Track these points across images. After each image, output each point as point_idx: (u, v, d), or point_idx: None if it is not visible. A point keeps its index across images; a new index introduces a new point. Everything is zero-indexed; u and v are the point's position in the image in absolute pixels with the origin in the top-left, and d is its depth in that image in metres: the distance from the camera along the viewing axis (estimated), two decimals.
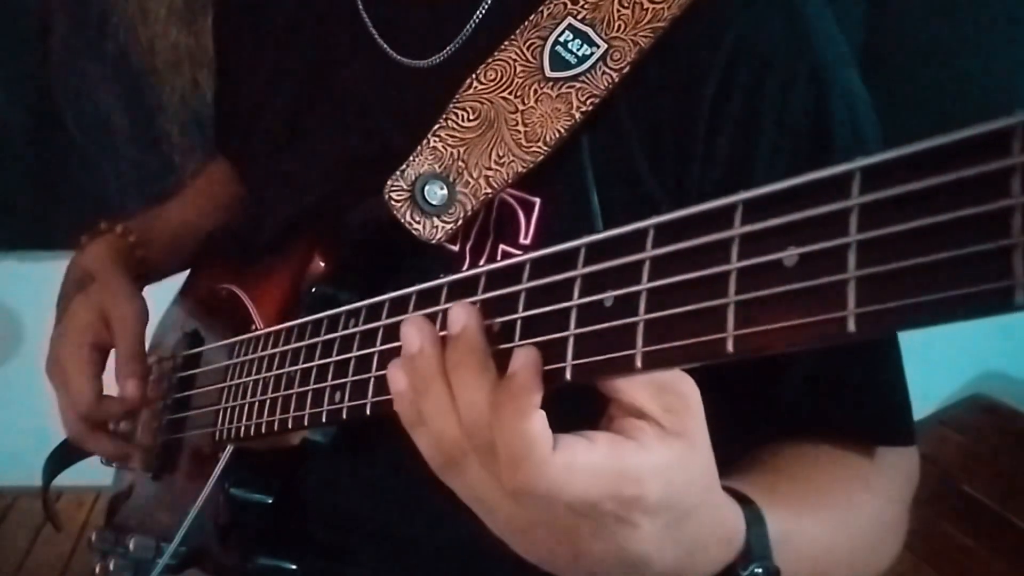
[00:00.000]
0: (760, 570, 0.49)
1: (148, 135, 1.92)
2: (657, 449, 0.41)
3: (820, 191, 0.32)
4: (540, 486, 0.40)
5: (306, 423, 0.61)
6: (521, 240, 0.63)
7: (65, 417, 0.82)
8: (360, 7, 0.74)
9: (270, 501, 0.73)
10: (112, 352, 0.82)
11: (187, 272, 0.97)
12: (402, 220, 0.62)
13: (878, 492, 0.64)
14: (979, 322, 0.29)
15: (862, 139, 0.61)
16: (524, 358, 0.41)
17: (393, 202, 0.62)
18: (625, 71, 0.59)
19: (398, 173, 0.62)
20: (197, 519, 0.73)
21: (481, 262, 0.64)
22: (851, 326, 0.31)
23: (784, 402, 0.63)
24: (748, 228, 0.34)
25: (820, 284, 0.31)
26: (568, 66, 0.60)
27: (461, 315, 0.43)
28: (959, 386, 2.12)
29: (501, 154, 0.61)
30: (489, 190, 0.61)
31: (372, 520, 0.74)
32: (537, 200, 0.63)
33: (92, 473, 0.96)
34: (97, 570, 0.84)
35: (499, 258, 0.63)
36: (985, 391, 2.11)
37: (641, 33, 0.58)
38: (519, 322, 0.44)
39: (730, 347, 0.34)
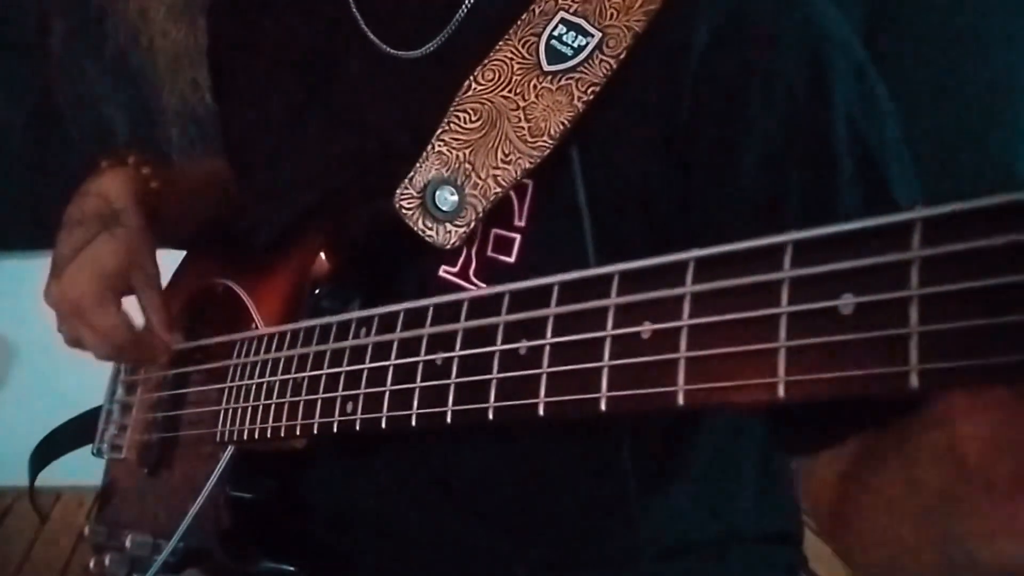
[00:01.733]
0: None
1: (147, 135, 1.91)
2: None
3: (877, 239, 0.31)
4: None
5: (315, 431, 0.60)
6: (515, 222, 0.63)
7: (92, 346, 0.81)
8: (351, 1, 0.73)
9: (271, 503, 0.73)
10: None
11: (176, 267, 0.96)
12: (415, 228, 0.61)
13: None
14: None
15: (872, 100, 0.59)
16: None
17: (404, 210, 0.62)
18: (622, 56, 0.59)
19: (407, 181, 0.62)
20: (196, 519, 0.73)
21: (474, 247, 0.64)
22: (913, 382, 0.30)
23: None
24: (799, 272, 0.33)
25: (881, 336, 0.31)
26: (564, 58, 0.60)
27: None
28: None
29: (507, 152, 0.61)
30: (499, 189, 0.61)
31: (373, 521, 0.74)
32: (530, 183, 0.63)
33: (92, 473, 0.96)
34: (92, 564, 0.84)
35: (492, 242, 0.63)
36: None
37: (634, 18, 0.58)
38: (547, 348, 0.43)
39: (781, 392, 0.34)
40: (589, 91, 0.59)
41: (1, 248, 1.98)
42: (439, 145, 0.62)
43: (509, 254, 0.63)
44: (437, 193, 0.61)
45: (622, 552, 0.72)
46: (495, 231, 0.64)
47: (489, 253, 0.64)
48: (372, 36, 0.72)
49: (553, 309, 0.43)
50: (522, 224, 0.63)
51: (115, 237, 0.81)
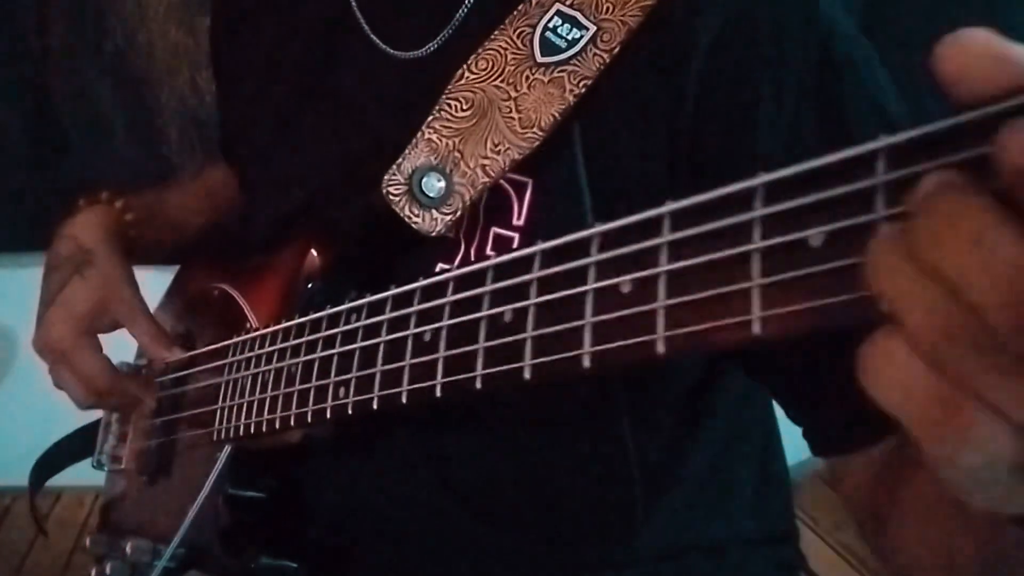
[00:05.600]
0: None
1: (146, 136, 1.91)
2: None
3: (843, 171, 0.31)
4: None
5: (310, 420, 0.60)
6: (514, 222, 0.63)
7: (72, 391, 0.83)
8: (351, 1, 0.73)
9: (270, 501, 0.73)
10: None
11: (170, 270, 0.96)
12: (401, 214, 0.61)
13: None
14: None
15: (873, 82, 0.58)
16: None
17: (391, 196, 0.61)
18: (616, 51, 0.58)
19: (395, 167, 0.62)
20: (196, 520, 0.72)
21: (474, 246, 0.64)
22: (884, 306, 0.29)
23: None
24: (769, 210, 0.33)
25: (851, 263, 0.31)
26: (558, 51, 0.60)
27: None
28: None
29: (497, 142, 0.61)
30: (487, 179, 0.61)
31: (374, 519, 0.74)
32: (529, 181, 0.63)
33: (92, 473, 0.96)
34: (93, 573, 0.84)
35: (491, 241, 0.63)
36: None
37: (630, 13, 0.58)
38: (532, 309, 0.43)
39: (757, 329, 0.33)
40: (581, 84, 0.59)
41: (3, 248, 1.98)
42: (429, 132, 0.62)
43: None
44: (424, 180, 0.61)
45: (623, 553, 0.72)
46: (494, 230, 0.64)
47: (488, 252, 0.64)
48: (372, 36, 0.72)
49: (536, 273, 0.43)
50: (521, 223, 0.63)
51: (86, 279, 0.82)
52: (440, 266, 0.65)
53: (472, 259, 0.64)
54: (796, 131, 0.56)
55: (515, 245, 0.63)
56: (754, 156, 0.57)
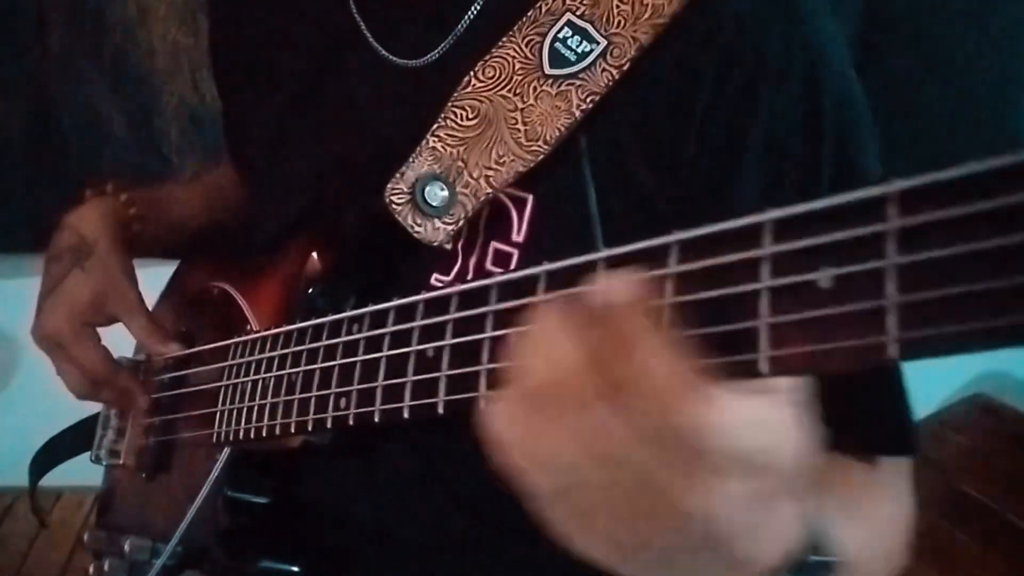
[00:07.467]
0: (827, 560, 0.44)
1: (146, 137, 1.91)
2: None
3: (853, 213, 0.31)
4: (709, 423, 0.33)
5: (310, 428, 0.60)
6: (513, 237, 0.63)
7: (71, 380, 0.84)
8: (352, 7, 0.73)
9: (269, 503, 0.73)
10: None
11: (170, 270, 0.97)
12: (404, 223, 0.61)
13: (895, 498, 0.63)
14: None
15: (848, 150, 0.59)
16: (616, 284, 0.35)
17: (394, 205, 0.61)
18: (625, 68, 0.58)
19: (398, 175, 0.61)
20: (195, 521, 0.73)
21: (472, 259, 0.64)
22: (892, 351, 0.30)
23: None
24: (779, 248, 0.33)
25: (859, 308, 0.31)
26: (567, 63, 0.59)
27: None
28: (959, 386, 2.12)
29: (501, 153, 0.60)
30: (489, 190, 0.61)
31: (373, 521, 0.74)
32: (530, 197, 0.62)
33: (93, 473, 0.96)
34: (91, 570, 0.84)
35: (491, 256, 0.62)
36: (985, 391, 2.11)
37: (641, 30, 0.58)
38: None
39: (764, 368, 0.34)
40: (589, 100, 0.59)
41: (4, 249, 1.98)
42: (433, 140, 0.62)
43: (507, 268, 0.62)
44: (427, 188, 0.61)
45: None
46: (494, 244, 0.63)
47: (487, 266, 0.64)
48: (374, 42, 0.72)
49: (541, 296, 0.43)
50: (520, 239, 0.63)
51: (87, 271, 0.82)
52: (435, 277, 0.65)
53: (471, 273, 0.64)
54: (775, 173, 0.57)
55: (514, 261, 0.63)
56: (735, 190, 0.58)
